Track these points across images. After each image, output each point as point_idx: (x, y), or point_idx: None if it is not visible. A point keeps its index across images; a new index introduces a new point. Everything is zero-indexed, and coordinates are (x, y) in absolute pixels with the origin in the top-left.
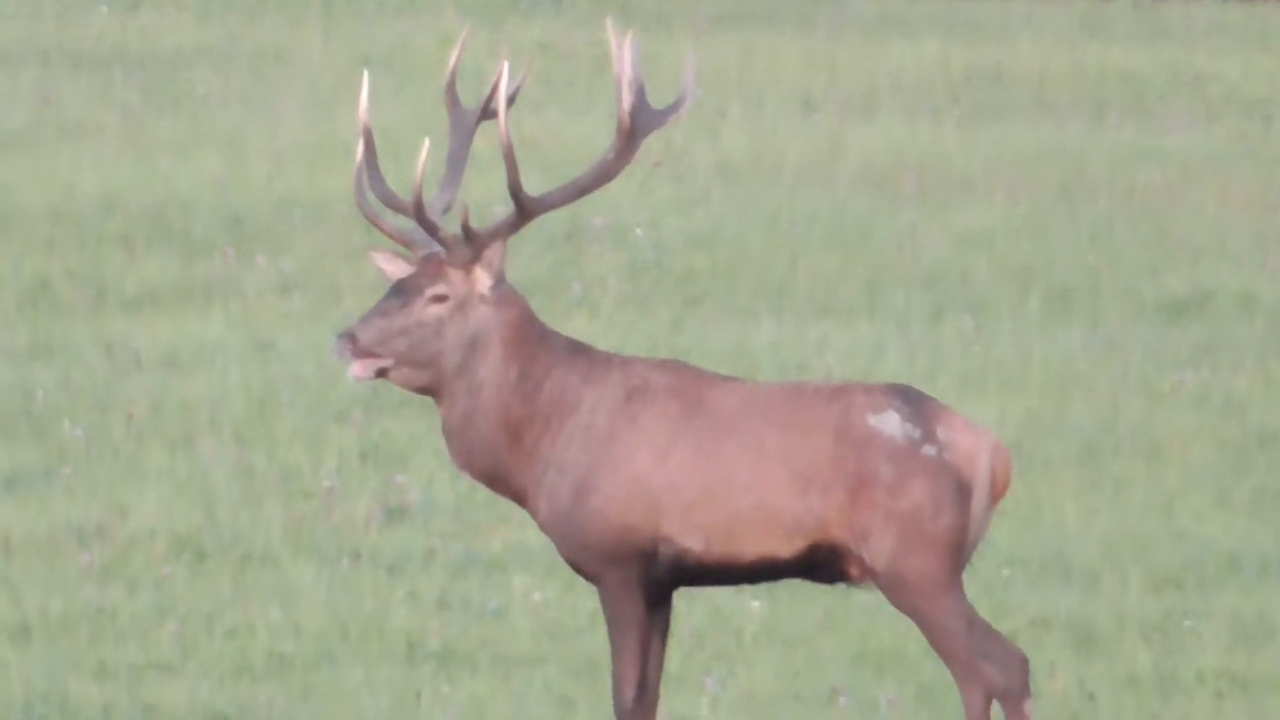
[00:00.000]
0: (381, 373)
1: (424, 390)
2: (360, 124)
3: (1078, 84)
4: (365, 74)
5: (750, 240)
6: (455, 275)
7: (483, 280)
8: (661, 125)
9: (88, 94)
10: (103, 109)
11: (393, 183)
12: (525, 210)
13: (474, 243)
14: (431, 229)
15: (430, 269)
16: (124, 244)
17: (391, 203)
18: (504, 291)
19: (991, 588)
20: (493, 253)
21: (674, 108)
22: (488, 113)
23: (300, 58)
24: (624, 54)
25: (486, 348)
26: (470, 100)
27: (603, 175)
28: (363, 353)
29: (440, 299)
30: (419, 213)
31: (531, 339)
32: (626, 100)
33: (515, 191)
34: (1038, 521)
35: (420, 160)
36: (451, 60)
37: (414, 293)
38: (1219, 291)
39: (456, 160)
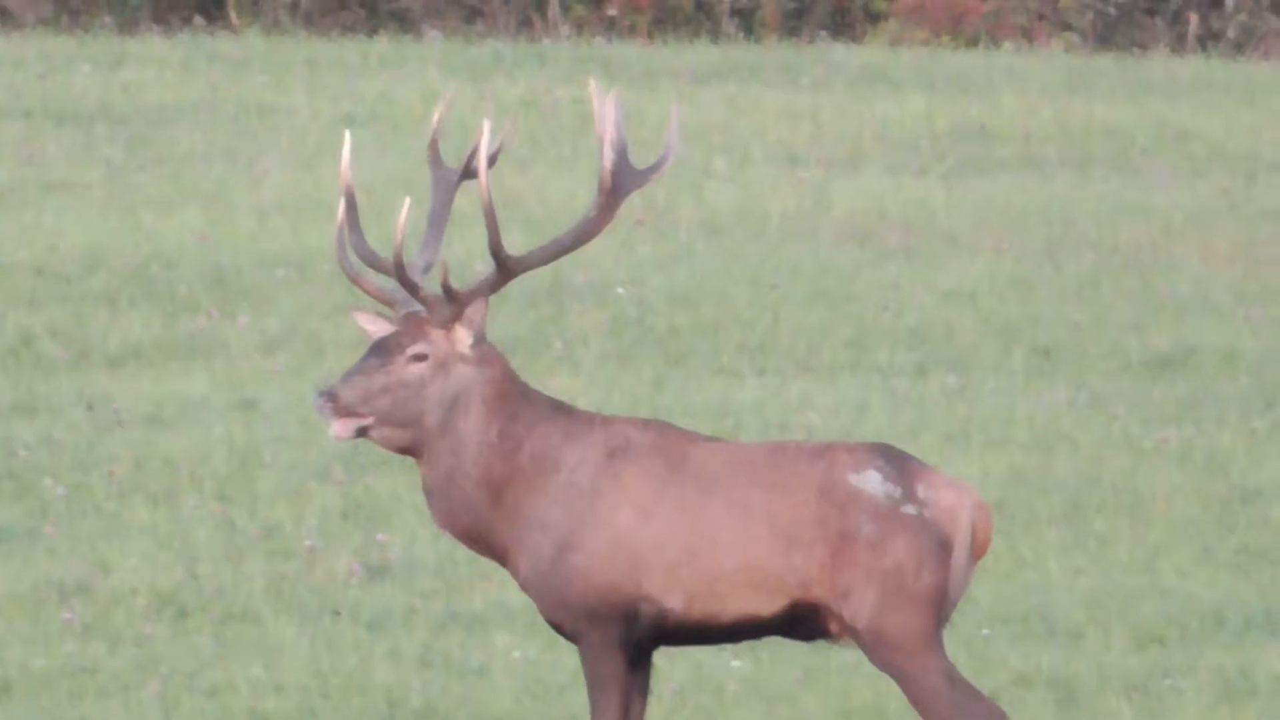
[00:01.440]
0: (362, 432)
1: (405, 450)
2: (342, 183)
3: (1063, 139)
4: (347, 134)
5: (734, 297)
6: (436, 334)
7: (463, 339)
8: (643, 185)
9: (71, 150)
10: (86, 165)
11: (375, 240)
12: (506, 269)
13: (455, 302)
14: (412, 288)
15: (411, 328)
16: (107, 301)
17: (373, 262)
18: (485, 350)
19: (973, 645)
20: (474, 311)
21: (656, 167)
22: (469, 171)
23: (284, 113)
24: (606, 113)
25: (468, 407)
26: (453, 158)
27: (584, 234)
28: (344, 411)
29: (420, 358)
30: (399, 271)
31: (512, 397)
32: (608, 159)
33: (496, 251)
34: (1020, 578)
35: (400, 219)
36: (435, 119)
37: (395, 351)
38: (1203, 347)
39: (438, 219)
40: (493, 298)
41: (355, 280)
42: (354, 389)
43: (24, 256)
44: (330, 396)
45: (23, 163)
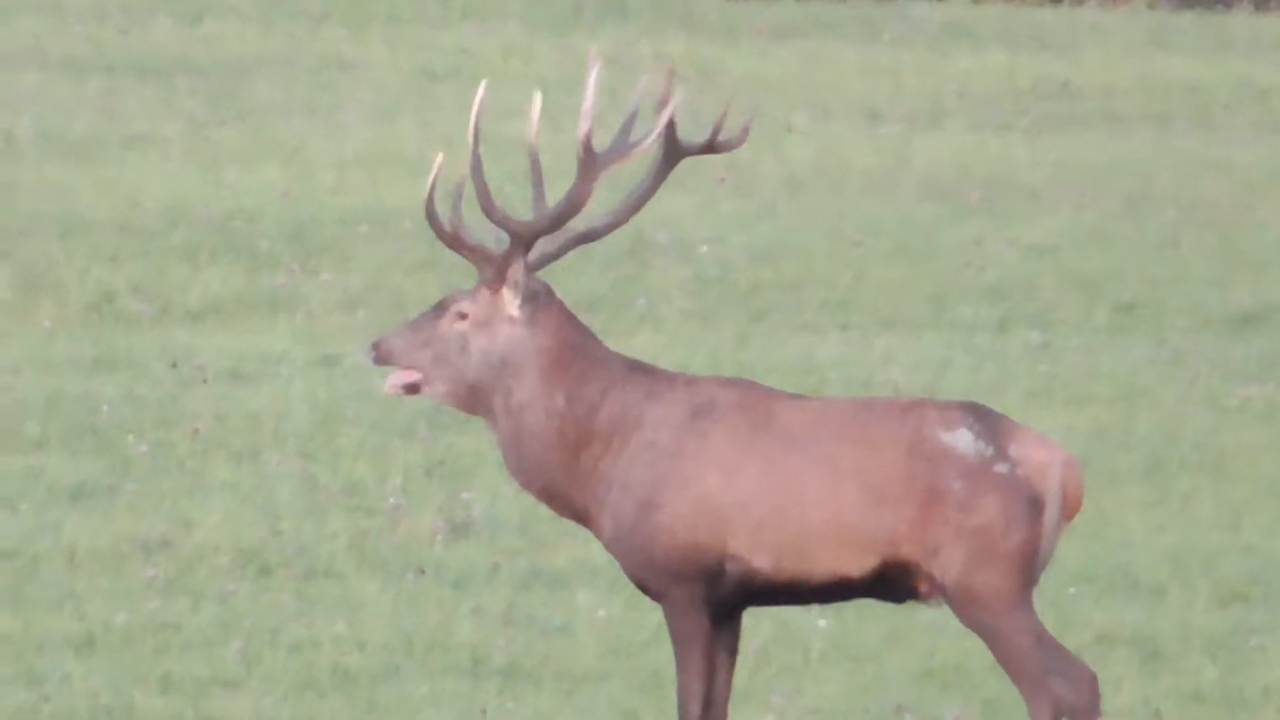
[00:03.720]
0: (413, 389)
1: (467, 409)
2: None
3: (1144, 96)
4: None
5: (815, 253)
6: (483, 294)
7: (510, 301)
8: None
9: (151, 104)
10: (167, 119)
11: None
12: (519, 236)
13: (490, 263)
14: (456, 245)
15: (474, 287)
16: (188, 256)
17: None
18: (539, 313)
19: (1057, 603)
20: (514, 273)
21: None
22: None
23: (364, 67)
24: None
25: (521, 371)
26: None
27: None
28: (383, 360)
29: (463, 315)
30: (433, 223)
31: (576, 362)
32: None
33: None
34: (1103, 536)
35: (432, 174)
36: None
37: (445, 307)
38: None
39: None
40: (574, 257)
41: (454, 237)
42: (398, 340)
43: (105, 212)
44: (375, 345)
45: (103, 117)
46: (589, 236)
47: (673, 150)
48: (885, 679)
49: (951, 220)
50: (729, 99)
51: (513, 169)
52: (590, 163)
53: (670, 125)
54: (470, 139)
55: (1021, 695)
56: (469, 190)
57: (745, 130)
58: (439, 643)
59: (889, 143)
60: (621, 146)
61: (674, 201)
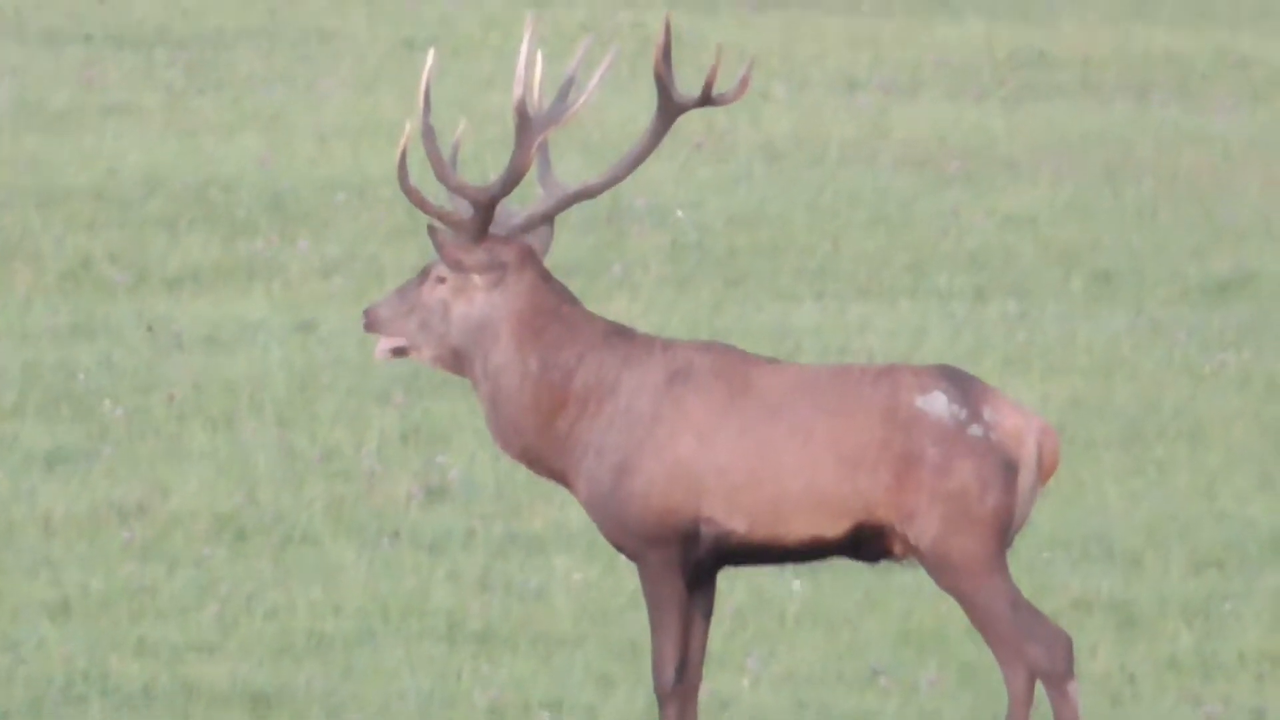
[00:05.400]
0: (400, 352)
1: (456, 372)
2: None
3: (1123, 65)
4: (431, 53)
5: (793, 221)
6: (459, 258)
7: (475, 267)
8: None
9: (131, 74)
10: (146, 89)
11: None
12: (476, 202)
13: (464, 228)
14: (429, 211)
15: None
16: (166, 224)
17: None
18: (507, 279)
19: (1033, 568)
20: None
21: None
22: (709, 99)
23: (344, 38)
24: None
25: (496, 335)
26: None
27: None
28: (373, 328)
29: (442, 280)
30: (406, 190)
31: (550, 328)
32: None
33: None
34: (1080, 503)
35: (402, 141)
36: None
37: (427, 273)
38: (1262, 273)
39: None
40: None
41: (421, 201)
42: (386, 307)
43: (84, 180)
44: (365, 312)
45: (83, 86)
46: (583, 195)
47: (668, 106)
48: (861, 642)
49: (929, 189)
50: (718, 53)
51: (493, 138)
52: (526, 127)
53: (665, 82)
54: (420, 106)
55: (997, 659)
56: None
57: (744, 83)
58: (415, 607)
59: (867, 112)
60: (558, 110)
61: (651, 167)
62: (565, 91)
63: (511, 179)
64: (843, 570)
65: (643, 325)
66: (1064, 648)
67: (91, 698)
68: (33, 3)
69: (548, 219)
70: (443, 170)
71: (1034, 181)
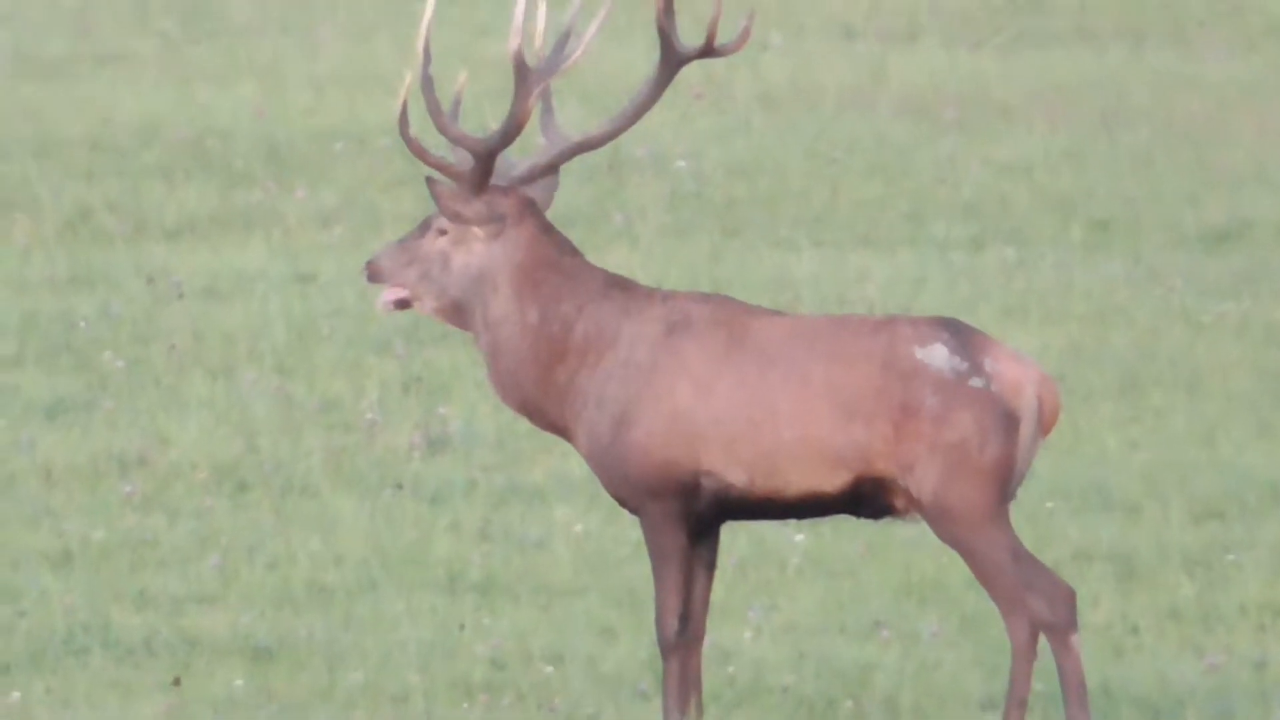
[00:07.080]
0: (403, 304)
1: (456, 324)
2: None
3: (1117, 11)
4: (430, 1)
5: (791, 169)
6: (459, 209)
7: (474, 218)
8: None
9: (126, 23)
10: (140, 38)
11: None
12: (475, 153)
13: (464, 179)
14: (428, 161)
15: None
16: (163, 174)
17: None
18: (507, 230)
19: (1034, 519)
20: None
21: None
22: (711, 50)
23: None
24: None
25: (495, 286)
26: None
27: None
28: (375, 278)
29: (443, 232)
30: (407, 142)
31: (550, 280)
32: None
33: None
34: (1079, 453)
35: (402, 92)
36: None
37: (429, 223)
38: (1259, 221)
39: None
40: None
41: (420, 151)
42: (387, 258)
43: (79, 130)
44: (367, 264)
45: (77, 35)
46: (585, 146)
47: (671, 56)
48: (863, 594)
49: (926, 138)
50: (718, 2)
51: (490, 87)
52: (525, 78)
53: (667, 33)
54: (419, 55)
55: (999, 610)
56: (425, 108)
57: (746, 32)
58: (415, 558)
59: (864, 60)
60: (556, 61)
61: (651, 117)
62: (563, 42)
63: (511, 130)
64: (844, 523)
65: (642, 275)
66: (1066, 599)
67: (93, 649)
68: None
69: (549, 170)
70: (442, 121)
71: (1030, 129)
